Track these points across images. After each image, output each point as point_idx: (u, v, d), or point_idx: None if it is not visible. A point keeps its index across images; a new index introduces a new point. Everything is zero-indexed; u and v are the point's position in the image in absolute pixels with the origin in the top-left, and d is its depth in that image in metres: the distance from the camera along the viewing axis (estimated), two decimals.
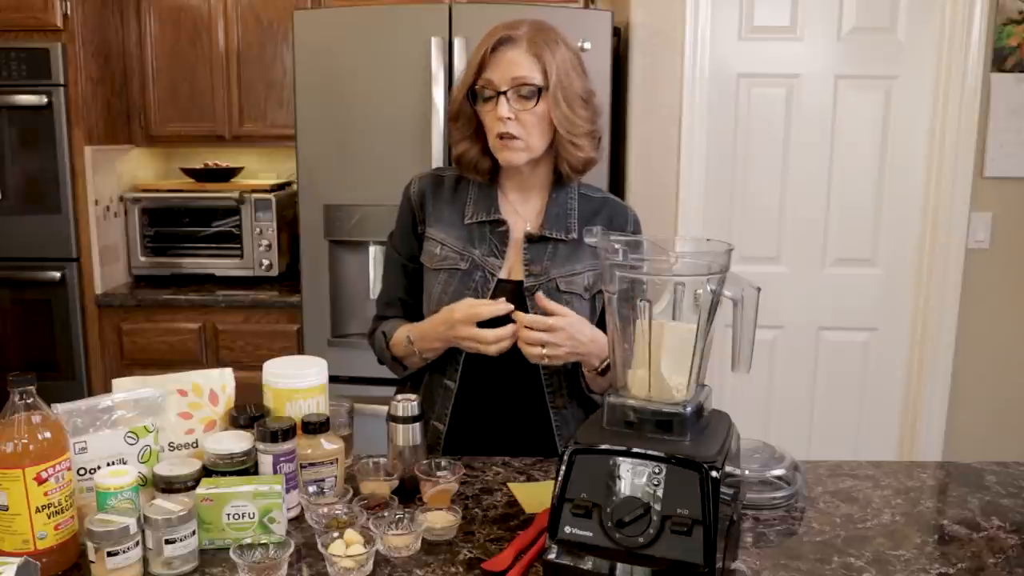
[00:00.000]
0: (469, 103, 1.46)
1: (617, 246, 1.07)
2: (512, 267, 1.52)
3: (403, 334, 1.51)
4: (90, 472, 1.13)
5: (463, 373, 1.51)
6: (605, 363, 1.41)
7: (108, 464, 1.14)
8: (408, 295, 1.59)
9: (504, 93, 1.41)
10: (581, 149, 1.47)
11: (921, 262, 2.85)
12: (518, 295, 1.48)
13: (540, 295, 1.39)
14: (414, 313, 1.58)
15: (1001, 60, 2.69)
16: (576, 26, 2.56)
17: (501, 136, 1.43)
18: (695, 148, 2.79)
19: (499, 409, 1.53)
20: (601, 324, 1.53)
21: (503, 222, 1.51)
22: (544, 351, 1.36)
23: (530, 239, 1.51)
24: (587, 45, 2.53)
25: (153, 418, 1.19)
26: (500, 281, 1.50)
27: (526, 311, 1.43)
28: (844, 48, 2.76)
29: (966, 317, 2.83)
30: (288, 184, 3.41)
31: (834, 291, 2.90)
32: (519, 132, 1.43)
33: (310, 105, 2.66)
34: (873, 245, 2.88)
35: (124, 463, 1.14)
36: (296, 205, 2.80)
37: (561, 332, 1.35)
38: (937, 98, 2.75)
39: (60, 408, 1.12)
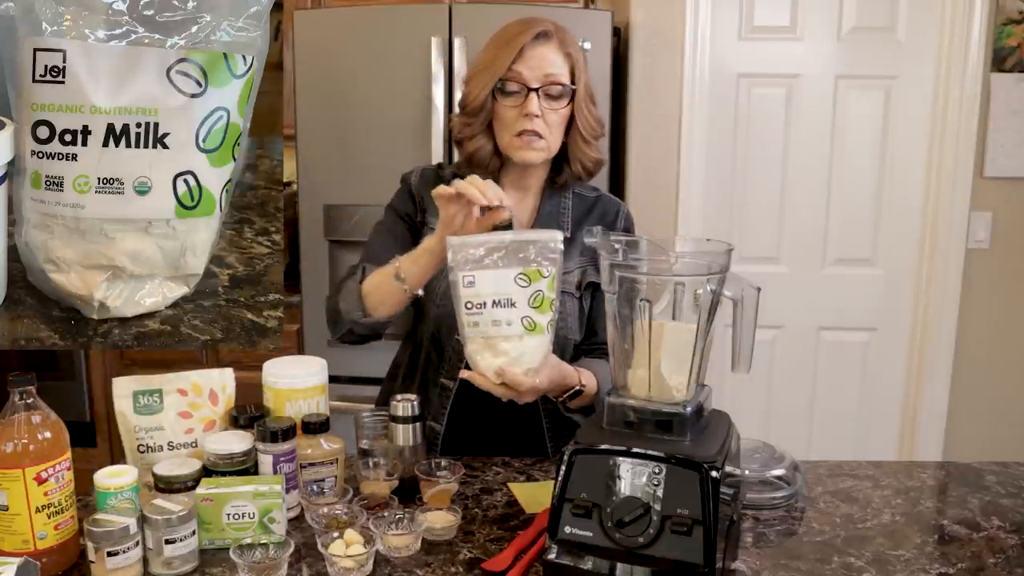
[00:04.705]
0: (492, 97, 1.42)
1: (617, 246, 1.07)
2: None
3: (387, 269, 1.38)
4: (477, 307, 1.14)
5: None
6: (567, 394, 1.36)
7: (494, 303, 1.13)
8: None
9: (536, 90, 1.39)
10: (594, 150, 1.49)
11: (921, 262, 2.85)
12: None
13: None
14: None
15: (1001, 60, 2.69)
16: (576, 26, 2.54)
17: (522, 133, 1.41)
18: (695, 148, 2.79)
19: (496, 410, 1.49)
20: (590, 319, 1.53)
21: (509, 224, 1.46)
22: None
23: None
24: (587, 45, 2.52)
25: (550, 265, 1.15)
26: None
27: None
28: (844, 48, 2.76)
29: (966, 317, 2.83)
30: (288, 184, 3.41)
31: (834, 291, 2.90)
32: (544, 131, 1.41)
33: (310, 105, 2.66)
34: (873, 245, 2.88)
35: (513, 305, 1.13)
36: (296, 205, 2.80)
37: (527, 394, 1.27)
38: (937, 98, 2.75)
39: (455, 240, 1.15)
